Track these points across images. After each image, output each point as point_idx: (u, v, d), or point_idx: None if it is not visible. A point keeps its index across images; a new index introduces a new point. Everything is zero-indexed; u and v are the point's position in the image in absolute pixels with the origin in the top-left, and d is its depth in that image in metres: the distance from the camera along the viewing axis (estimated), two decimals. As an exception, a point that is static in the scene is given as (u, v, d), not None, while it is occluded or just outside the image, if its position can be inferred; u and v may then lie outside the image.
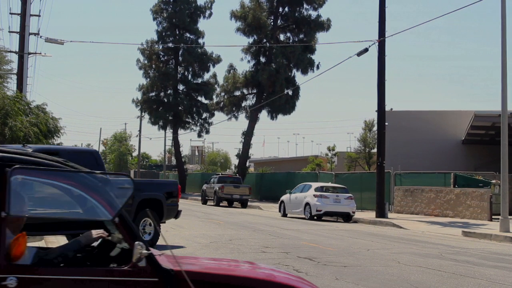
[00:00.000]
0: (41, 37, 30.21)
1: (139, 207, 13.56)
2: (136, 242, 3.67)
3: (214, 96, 54.03)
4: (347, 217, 26.02)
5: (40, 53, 31.50)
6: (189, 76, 55.69)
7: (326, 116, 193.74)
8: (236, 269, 4.35)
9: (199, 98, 55.88)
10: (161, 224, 14.77)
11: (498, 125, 24.53)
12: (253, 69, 48.70)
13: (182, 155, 61.46)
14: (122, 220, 3.74)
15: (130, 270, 3.67)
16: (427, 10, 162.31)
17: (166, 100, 55.07)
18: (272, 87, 46.28)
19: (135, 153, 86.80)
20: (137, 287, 3.68)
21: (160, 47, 54.85)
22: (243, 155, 49.91)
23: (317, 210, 25.66)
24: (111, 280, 3.66)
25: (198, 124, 56.26)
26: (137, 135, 71.80)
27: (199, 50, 54.40)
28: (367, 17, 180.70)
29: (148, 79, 54.85)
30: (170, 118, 55.41)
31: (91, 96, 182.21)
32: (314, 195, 25.96)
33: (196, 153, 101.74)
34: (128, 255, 3.82)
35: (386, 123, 28.17)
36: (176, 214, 14.62)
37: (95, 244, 4.29)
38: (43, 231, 6.33)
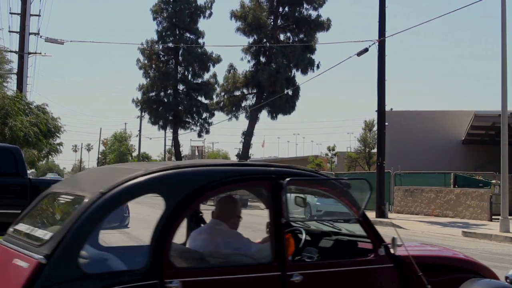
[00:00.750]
0: (41, 37, 30.24)
1: None
2: (395, 237, 4.40)
3: (214, 96, 53.99)
4: (347, 217, 25.99)
5: (40, 53, 31.59)
6: (189, 76, 55.63)
7: (326, 116, 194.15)
8: (433, 251, 5.36)
9: (199, 98, 55.82)
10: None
11: (498, 125, 24.49)
12: (253, 69, 48.64)
13: (182, 155, 61.47)
14: (364, 218, 4.44)
15: (374, 259, 4.39)
16: (427, 10, 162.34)
17: (166, 100, 55.03)
18: (272, 87, 46.25)
19: (135, 153, 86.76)
20: (381, 272, 4.44)
21: (160, 47, 54.81)
22: (243, 155, 49.88)
23: (317, 210, 25.64)
24: (365, 268, 4.38)
25: (198, 124, 56.25)
26: (137, 135, 71.99)
27: (199, 50, 54.37)
28: (367, 17, 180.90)
29: (148, 79, 54.81)
30: (170, 118, 55.37)
31: (91, 96, 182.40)
32: (314, 195, 25.95)
33: (196, 153, 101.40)
34: (342, 246, 4.88)
35: (386, 123, 28.13)
36: None
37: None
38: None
